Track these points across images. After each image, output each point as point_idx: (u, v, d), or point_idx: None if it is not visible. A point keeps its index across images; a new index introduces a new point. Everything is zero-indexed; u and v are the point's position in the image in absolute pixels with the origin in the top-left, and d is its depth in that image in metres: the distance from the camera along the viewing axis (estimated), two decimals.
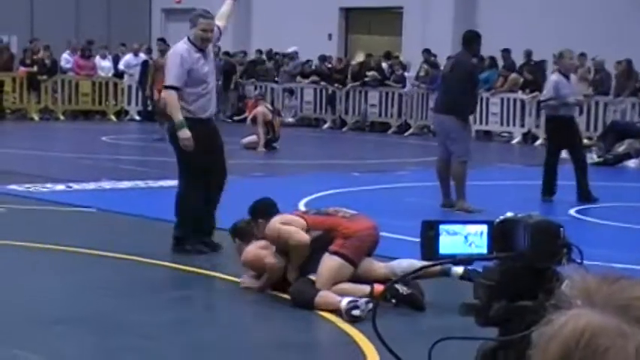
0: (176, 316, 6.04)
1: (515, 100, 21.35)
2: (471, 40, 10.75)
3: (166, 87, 7.79)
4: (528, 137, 21.31)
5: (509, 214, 1.57)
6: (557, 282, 1.27)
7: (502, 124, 21.64)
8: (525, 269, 1.53)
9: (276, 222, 6.45)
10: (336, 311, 5.99)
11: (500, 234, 1.56)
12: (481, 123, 21.78)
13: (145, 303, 6.32)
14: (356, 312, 5.85)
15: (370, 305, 5.85)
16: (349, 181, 12.70)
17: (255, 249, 6.63)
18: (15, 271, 7.42)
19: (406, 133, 22.58)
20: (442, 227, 1.58)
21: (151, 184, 11.91)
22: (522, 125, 21.31)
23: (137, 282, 6.95)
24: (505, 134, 21.91)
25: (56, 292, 6.77)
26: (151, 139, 18.01)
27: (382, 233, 6.87)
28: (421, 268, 1.73)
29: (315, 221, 6.49)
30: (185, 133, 7.62)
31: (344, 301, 5.96)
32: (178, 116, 7.65)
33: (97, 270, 7.21)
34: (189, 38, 7.76)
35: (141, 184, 11.85)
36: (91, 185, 11.54)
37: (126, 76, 24.23)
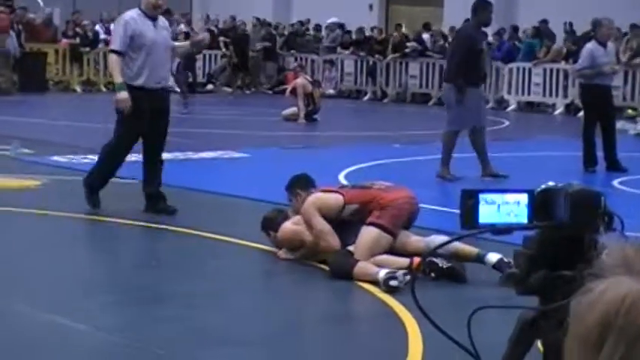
0: (215, 286, 6.09)
1: (558, 71, 21.12)
2: (478, 8, 10.65)
3: (110, 51, 8.31)
4: (571, 108, 21.09)
5: (550, 184, 1.56)
6: (597, 251, 1.26)
7: (544, 94, 21.43)
8: (565, 238, 1.52)
9: (311, 206, 6.45)
10: (374, 282, 6.00)
11: (541, 203, 1.55)
12: (523, 94, 21.60)
13: (185, 273, 6.38)
14: (394, 282, 5.85)
15: (408, 277, 5.85)
16: (390, 153, 12.67)
17: (292, 225, 6.65)
18: (57, 242, 7.51)
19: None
20: (482, 196, 1.57)
21: (191, 155, 11.98)
22: (565, 96, 21.08)
23: (177, 252, 7.00)
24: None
25: (98, 262, 6.86)
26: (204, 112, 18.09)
27: (423, 205, 6.86)
28: (459, 238, 1.72)
29: (352, 195, 6.51)
30: (122, 95, 7.99)
31: (382, 272, 5.97)
32: (118, 78, 8.10)
33: (137, 240, 7.29)
34: (139, 6, 8.14)
35: (180, 155, 11.91)
36: (132, 157, 11.60)
37: None
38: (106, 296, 5.76)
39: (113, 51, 8.18)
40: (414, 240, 6.36)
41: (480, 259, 6.23)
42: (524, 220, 1.58)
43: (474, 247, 6.24)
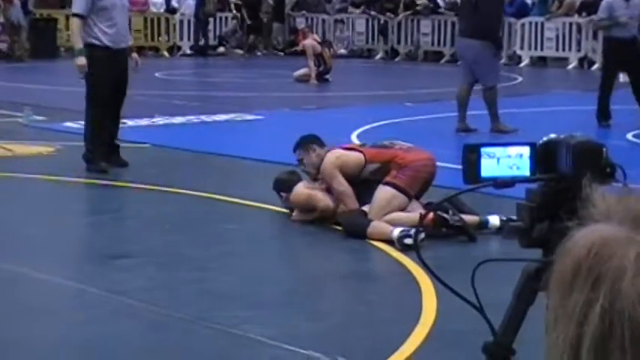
0: (229, 248, 6.13)
1: (571, 24, 20.94)
2: None
3: (73, 15, 8.59)
4: (585, 62, 20.94)
5: (552, 136, 1.56)
6: (586, 201, 1.27)
7: (558, 49, 21.27)
8: (567, 190, 1.52)
9: (331, 166, 6.45)
10: (388, 241, 6.02)
11: (544, 155, 1.55)
12: (536, 49, 21.45)
13: (198, 236, 6.42)
14: (408, 240, 5.87)
15: (422, 235, 5.87)
16: (402, 112, 12.64)
17: (305, 189, 6.65)
18: (72, 208, 7.56)
19: (459, 62, 22.32)
20: (483, 150, 1.57)
21: (204, 118, 11.99)
22: (579, 50, 20.92)
23: (190, 216, 7.04)
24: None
25: (113, 227, 6.90)
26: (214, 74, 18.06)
27: (437, 163, 6.86)
28: (462, 192, 1.73)
29: (372, 154, 6.51)
30: (81, 60, 8.37)
31: (396, 231, 5.98)
32: (78, 44, 8.44)
33: (151, 205, 7.32)
34: None
35: (194, 119, 11.93)
36: (145, 121, 11.65)
37: (178, 12, 24.25)
38: (121, 260, 5.80)
39: (76, 15, 8.47)
40: (414, 207, 6.32)
41: (483, 225, 6.25)
42: (527, 173, 1.58)
43: (474, 215, 6.27)
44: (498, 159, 1.57)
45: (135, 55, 9.15)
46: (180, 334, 4.54)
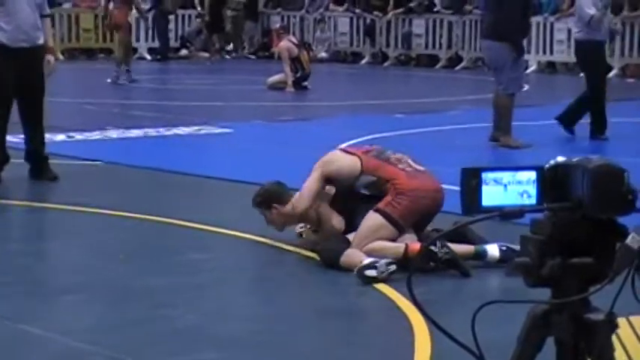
0: (192, 280, 6.11)
1: None
2: None
3: None
4: None
5: (560, 159, 1.56)
6: (621, 235, 1.26)
7: (569, 53, 21.42)
8: (582, 221, 1.52)
9: (317, 170, 6.51)
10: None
11: (552, 181, 1.55)
12: (544, 53, 21.60)
13: (157, 267, 6.40)
14: (370, 272, 5.84)
15: (392, 267, 5.83)
16: (392, 124, 12.69)
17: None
18: (13, 235, 7.52)
19: (457, 67, 22.46)
20: (485, 175, 1.57)
21: (164, 132, 11.99)
22: None
23: (150, 243, 7.02)
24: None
25: (60, 257, 6.86)
26: (176, 81, 18.06)
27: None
28: (465, 225, 1.73)
29: (372, 165, 6.41)
30: None
31: (365, 260, 5.95)
32: None
33: (104, 231, 7.29)
34: None
35: (152, 132, 11.92)
36: (96, 135, 11.63)
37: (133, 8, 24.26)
38: (66, 296, 5.77)
39: None
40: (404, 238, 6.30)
41: (479, 255, 6.21)
42: (534, 200, 1.58)
43: (469, 245, 6.24)
44: (505, 185, 1.57)
45: (49, 57, 9.11)
46: None
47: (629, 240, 1.43)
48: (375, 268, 5.85)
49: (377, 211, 6.26)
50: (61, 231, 7.70)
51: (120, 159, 9.97)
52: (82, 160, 9.87)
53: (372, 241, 6.19)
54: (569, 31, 21.24)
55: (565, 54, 21.43)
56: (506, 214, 1.55)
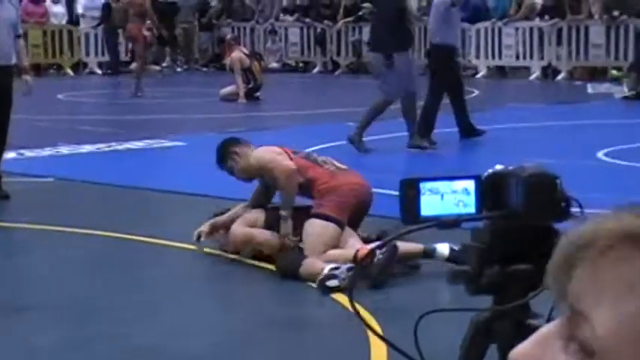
0: (148, 296, 6.09)
1: (532, 29, 21.30)
2: None
3: None
4: (549, 72, 21.31)
5: (498, 167, 1.58)
6: (557, 241, 1.27)
7: (518, 57, 21.61)
8: (520, 228, 1.54)
9: (268, 151, 6.56)
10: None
11: (490, 190, 1.57)
12: (493, 57, 21.76)
13: (113, 283, 6.36)
14: (332, 283, 5.87)
15: (351, 272, 5.88)
16: (345, 133, 12.69)
17: (242, 228, 6.65)
18: None
19: None
20: (423, 185, 1.59)
21: (116, 146, 11.93)
22: (542, 58, 21.28)
23: (105, 260, 6.98)
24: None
25: (18, 275, 6.81)
26: (128, 95, 18.03)
27: (379, 190, 6.90)
28: (405, 233, 1.74)
29: (301, 165, 6.55)
30: None
31: (326, 269, 5.97)
32: None
33: (59, 249, 7.24)
34: None
35: (104, 147, 11.85)
36: (47, 151, 11.55)
37: (82, 23, 24.15)
38: (23, 314, 5.72)
39: None
40: (352, 243, 6.34)
41: (428, 254, 6.28)
42: (473, 209, 1.60)
43: (417, 242, 6.28)
44: (442, 195, 1.59)
45: (26, 77, 9.13)
46: None
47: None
48: (335, 277, 5.87)
49: (313, 216, 6.34)
50: (15, 249, 7.63)
51: (72, 175, 9.90)
52: (34, 177, 9.79)
53: (324, 244, 6.24)
54: (518, 34, 21.45)
55: (514, 58, 21.61)
56: (442, 224, 1.56)
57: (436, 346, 1.82)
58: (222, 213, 6.98)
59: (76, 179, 9.72)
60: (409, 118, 11.34)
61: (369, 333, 5.16)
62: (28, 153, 11.31)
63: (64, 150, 11.65)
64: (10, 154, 10.81)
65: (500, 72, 22.05)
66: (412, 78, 11.40)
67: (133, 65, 24.64)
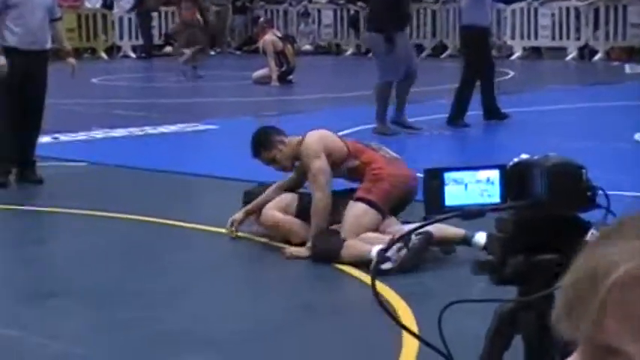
0: (181, 281, 6.11)
1: (568, 10, 21.13)
2: None
3: None
4: (586, 52, 21.14)
5: (523, 156, 1.57)
6: (584, 231, 1.26)
7: (554, 38, 21.45)
8: (544, 218, 1.53)
9: (318, 142, 6.50)
10: (363, 264, 6.00)
11: (514, 180, 1.56)
12: (529, 38, 21.62)
13: (143, 268, 6.39)
14: (386, 265, 5.87)
15: (403, 251, 5.89)
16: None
17: (273, 212, 6.66)
18: None
19: (442, 56, 22.46)
20: (447, 175, 1.58)
21: (150, 130, 11.97)
22: (578, 38, 21.10)
23: (136, 244, 7.01)
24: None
25: (47, 261, 6.85)
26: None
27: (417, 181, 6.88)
28: (427, 224, 1.73)
29: (356, 149, 6.58)
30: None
31: (374, 250, 5.98)
32: None
33: (90, 234, 7.27)
34: None
35: (137, 131, 11.90)
36: (81, 135, 11.61)
37: (116, 7, 24.23)
38: (55, 300, 5.76)
39: None
40: (395, 229, 6.33)
41: (466, 240, 6.27)
42: (498, 199, 1.59)
43: (459, 228, 6.26)
44: (466, 185, 1.58)
45: (70, 59, 9.20)
46: None
47: (588, 236, 1.44)
48: (389, 259, 5.87)
49: (359, 199, 6.37)
50: (47, 234, 7.69)
51: (105, 159, 9.95)
52: (67, 161, 9.85)
53: (360, 230, 6.24)
54: (554, 15, 21.29)
55: (549, 39, 21.46)
56: (466, 214, 1.55)
57: (461, 335, 1.81)
58: (252, 192, 7.00)
59: (109, 164, 9.76)
60: (402, 95, 11.30)
61: (402, 317, 5.15)
62: (62, 137, 11.38)
63: (98, 134, 11.71)
64: (44, 139, 10.89)
65: (536, 53, 21.90)
66: (411, 58, 11.49)
67: (167, 48, 24.73)
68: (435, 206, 1.58)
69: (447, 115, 11.54)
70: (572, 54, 21.01)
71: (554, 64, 20.65)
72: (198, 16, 18.91)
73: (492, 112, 11.76)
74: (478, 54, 11.56)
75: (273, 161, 6.81)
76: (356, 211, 6.36)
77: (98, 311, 5.58)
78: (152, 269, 6.39)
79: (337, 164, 6.52)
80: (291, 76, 17.32)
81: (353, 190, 6.54)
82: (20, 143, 8.81)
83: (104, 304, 5.67)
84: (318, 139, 6.54)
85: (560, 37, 21.33)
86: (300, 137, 6.66)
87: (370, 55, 13.03)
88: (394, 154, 6.69)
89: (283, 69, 17.21)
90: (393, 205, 6.46)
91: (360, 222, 6.32)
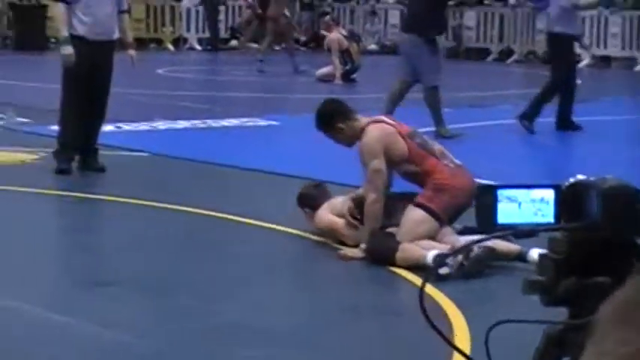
0: (236, 274, 6.15)
1: (639, 18, 20.87)
2: None
3: (55, 0, 9.09)
4: None
5: (579, 177, 1.56)
6: (637, 255, 1.24)
7: (624, 47, 21.20)
8: (599, 240, 1.52)
9: (378, 142, 6.42)
10: (418, 268, 5.98)
11: (570, 200, 1.55)
12: (598, 46, 21.39)
13: (201, 260, 6.44)
14: (444, 270, 5.84)
15: (459, 258, 5.86)
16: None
17: (327, 214, 6.67)
18: (58, 227, 7.60)
19: (509, 60, 22.31)
20: (501, 192, 1.57)
21: (212, 123, 12.04)
22: None
23: (193, 236, 7.06)
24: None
25: (105, 249, 6.93)
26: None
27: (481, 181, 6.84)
28: (487, 238, 1.73)
29: (417, 155, 6.47)
30: (67, 50, 8.81)
31: (430, 255, 5.96)
32: (64, 32, 8.92)
33: (149, 223, 7.35)
34: None
35: (199, 123, 11.98)
36: (144, 125, 11.72)
37: None
38: (111, 288, 5.82)
39: (59, 0, 8.89)
40: (452, 239, 6.30)
41: (521, 257, 6.20)
42: (551, 219, 1.58)
43: (514, 243, 6.20)
44: (520, 203, 1.57)
45: (131, 52, 9.29)
46: None
47: None
48: (446, 265, 5.84)
49: (419, 205, 6.33)
50: (106, 222, 7.79)
51: (166, 150, 10.03)
52: (129, 150, 9.95)
53: (418, 234, 6.21)
54: (624, 23, 21.03)
55: (619, 48, 21.22)
56: (518, 233, 1.54)
57: (509, 355, 1.80)
58: (307, 194, 6.99)
59: (170, 155, 9.84)
60: (435, 108, 11.19)
61: (453, 322, 5.14)
62: (125, 126, 11.50)
63: (160, 125, 11.80)
64: (108, 127, 11.02)
65: (605, 61, 21.66)
66: (440, 64, 11.51)
67: (233, 42, 24.87)
68: (487, 223, 1.57)
69: (513, 119, 11.44)
70: None
71: (622, 74, 20.41)
72: (286, 12, 19.07)
73: (566, 123, 11.62)
74: (566, 62, 11.47)
75: (333, 138, 6.80)
76: (415, 216, 6.33)
77: (154, 300, 5.64)
78: (209, 261, 6.43)
79: (396, 163, 6.49)
80: (354, 75, 17.32)
81: (411, 194, 6.50)
82: (84, 131, 8.93)
83: (160, 294, 5.73)
84: (378, 137, 6.48)
85: (630, 47, 21.08)
86: (365, 122, 6.59)
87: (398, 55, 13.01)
88: (457, 162, 6.56)
89: (347, 67, 17.21)
90: (451, 216, 6.42)
91: (418, 228, 6.29)
